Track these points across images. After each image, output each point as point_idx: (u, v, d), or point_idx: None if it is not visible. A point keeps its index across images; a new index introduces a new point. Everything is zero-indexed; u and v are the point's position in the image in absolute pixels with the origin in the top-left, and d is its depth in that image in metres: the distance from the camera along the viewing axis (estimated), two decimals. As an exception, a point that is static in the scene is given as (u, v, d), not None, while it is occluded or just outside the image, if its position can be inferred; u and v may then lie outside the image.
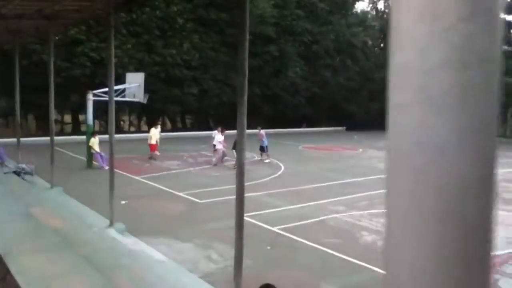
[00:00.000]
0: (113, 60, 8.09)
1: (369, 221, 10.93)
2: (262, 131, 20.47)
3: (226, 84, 33.28)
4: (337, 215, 11.40)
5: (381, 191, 14.54)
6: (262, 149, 20.20)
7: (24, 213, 7.44)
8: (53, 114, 11.00)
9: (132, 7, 25.85)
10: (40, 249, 5.52)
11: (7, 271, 4.36)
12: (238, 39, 5.35)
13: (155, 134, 20.20)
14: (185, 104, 32.70)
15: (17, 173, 11.93)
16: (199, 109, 35.59)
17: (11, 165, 13.08)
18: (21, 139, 15.07)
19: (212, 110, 36.40)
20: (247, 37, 5.25)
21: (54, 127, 11.37)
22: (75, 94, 27.49)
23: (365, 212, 11.75)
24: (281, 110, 37.10)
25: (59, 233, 6.35)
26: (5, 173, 11.93)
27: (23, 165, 12.66)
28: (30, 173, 12.32)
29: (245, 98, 5.32)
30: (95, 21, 25.40)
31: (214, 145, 19.69)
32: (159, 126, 21.70)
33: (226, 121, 30.28)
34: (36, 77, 22.74)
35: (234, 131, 19.89)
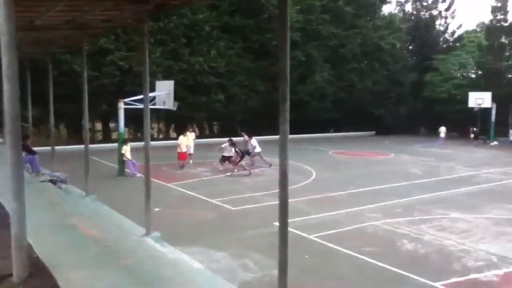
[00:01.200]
0: (147, 68, 8.04)
1: (408, 228, 10.60)
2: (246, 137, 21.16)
3: (252, 90, 33.28)
4: (374, 223, 11.10)
5: (417, 197, 14.18)
6: (248, 154, 19.89)
7: (64, 223, 7.45)
8: (87, 123, 11.04)
9: (161, 15, 26.11)
10: (85, 261, 5.47)
11: (56, 286, 4.30)
12: (279, 43, 5.17)
13: (183, 141, 20.23)
14: (211, 110, 32.80)
15: (53, 181, 12.01)
16: (226, 116, 35.67)
17: (46, 173, 13.20)
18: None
19: (238, 116, 36.44)
20: (288, 41, 5.09)
21: (88, 136, 11.42)
22: (104, 103, 27.89)
23: (402, 219, 11.40)
24: (308, 115, 36.84)
25: (100, 243, 6.31)
26: (41, 181, 12.02)
27: (58, 174, 12.76)
28: (65, 182, 12.39)
29: (287, 104, 5.13)
30: (122, 31, 25.75)
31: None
32: (187, 133, 21.68)
33: (253, 127, 30.25)
34: (66, 86, 23.17)
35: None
